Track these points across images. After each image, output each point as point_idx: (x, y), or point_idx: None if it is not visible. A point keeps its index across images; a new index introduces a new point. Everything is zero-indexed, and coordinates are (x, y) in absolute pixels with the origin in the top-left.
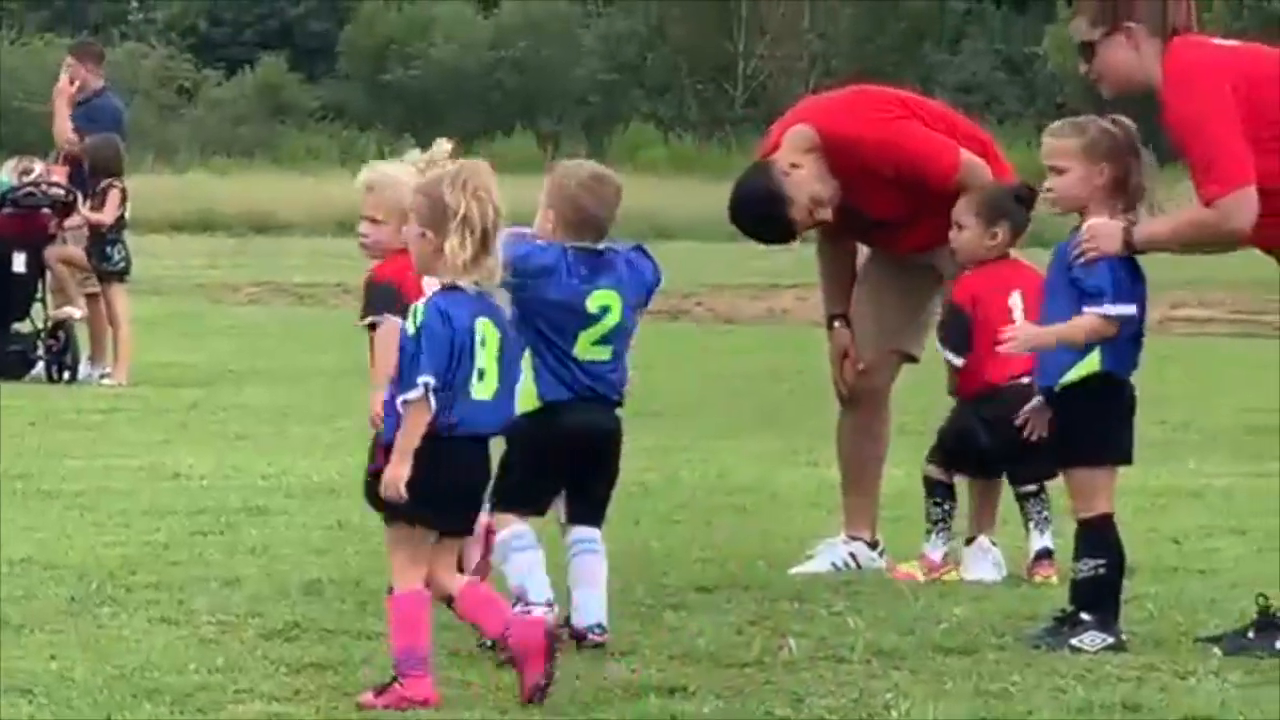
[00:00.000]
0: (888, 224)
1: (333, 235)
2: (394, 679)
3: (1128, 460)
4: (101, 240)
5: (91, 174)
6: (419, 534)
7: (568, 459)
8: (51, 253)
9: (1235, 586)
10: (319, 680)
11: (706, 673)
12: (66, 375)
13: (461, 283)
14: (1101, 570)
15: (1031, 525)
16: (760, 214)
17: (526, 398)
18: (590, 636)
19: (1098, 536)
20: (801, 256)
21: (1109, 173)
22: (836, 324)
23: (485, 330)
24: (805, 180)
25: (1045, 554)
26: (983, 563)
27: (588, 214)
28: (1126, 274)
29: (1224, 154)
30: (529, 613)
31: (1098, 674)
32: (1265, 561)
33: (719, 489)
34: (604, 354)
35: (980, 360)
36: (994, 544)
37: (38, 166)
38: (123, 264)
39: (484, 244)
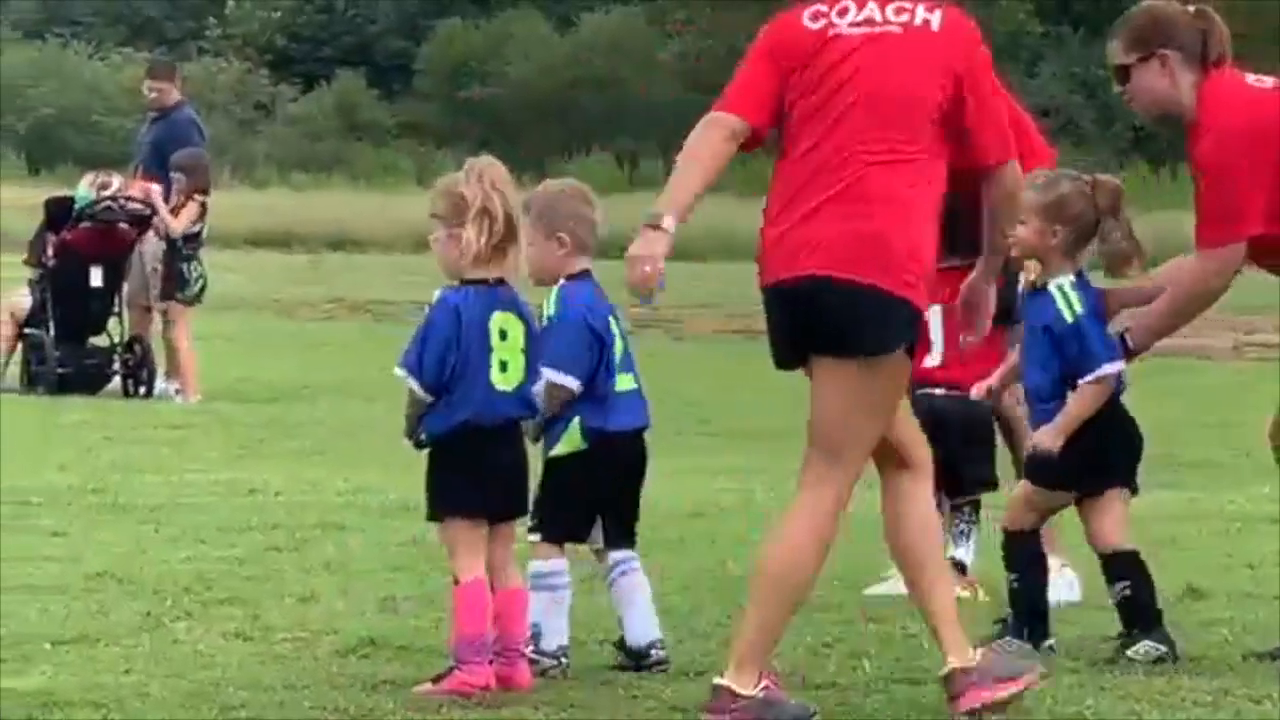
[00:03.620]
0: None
1: (408, 252)
2: (452, 667)
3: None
4: (176, 257)
5: (193, 190)
6: (468, 525)
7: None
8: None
9: None
10: (394, 698)
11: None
12: (142, 390)
13: (479, 274)
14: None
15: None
16: None
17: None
18: (652, 654)
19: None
20: None
21: (1062, 235)
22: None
23: (506, 324)
24: None
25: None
26: (1057, 584)
27: (595, 231)
28: (1099, 325)
29: (1236, 209)
30: (524, 659)
31: (1172, 699)
32: None
33: None
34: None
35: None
36: (1064, 566)
37: (115, 180)
38: (199, 284)
39: (507, 235)
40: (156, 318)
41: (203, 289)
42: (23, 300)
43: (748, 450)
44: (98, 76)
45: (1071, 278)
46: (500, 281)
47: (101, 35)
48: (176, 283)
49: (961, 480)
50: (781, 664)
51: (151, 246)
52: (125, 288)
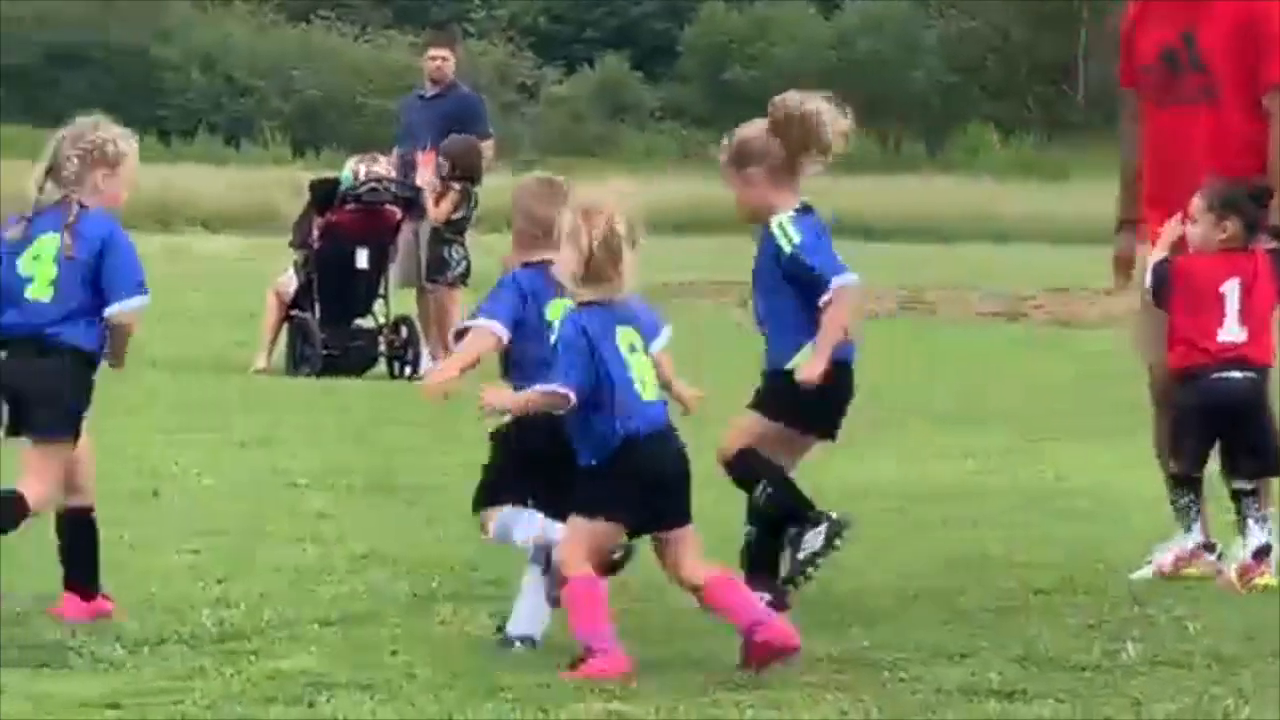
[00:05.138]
0: (1204, 79)
1: (667, 235)
2: (582, 658)
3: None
4: (438, 240)
5: (450, 175)
6: (603, 529)
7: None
8: None
9: None
10: (659, 679)
11: (1044, 676)
12: (409, 371)
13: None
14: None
15: (1248, 521)
16: None
17: None
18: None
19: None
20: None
21: (766, 171)
22: (1124, 229)
23: (630, 338)
24: None
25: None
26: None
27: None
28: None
29: None
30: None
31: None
32: None
33: (1057, 492)
34: None
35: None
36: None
37: (381, 163)
38: (460, 268)
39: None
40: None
41: (466, 272)
42: (288, 282)
43: (1005, 432)
44: (363, 58)
45: (790, 212)
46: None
47: (367, 18)
48: (438, 265)
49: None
50: (1043, 646)
51: (422, 228)
52: (391, 269)
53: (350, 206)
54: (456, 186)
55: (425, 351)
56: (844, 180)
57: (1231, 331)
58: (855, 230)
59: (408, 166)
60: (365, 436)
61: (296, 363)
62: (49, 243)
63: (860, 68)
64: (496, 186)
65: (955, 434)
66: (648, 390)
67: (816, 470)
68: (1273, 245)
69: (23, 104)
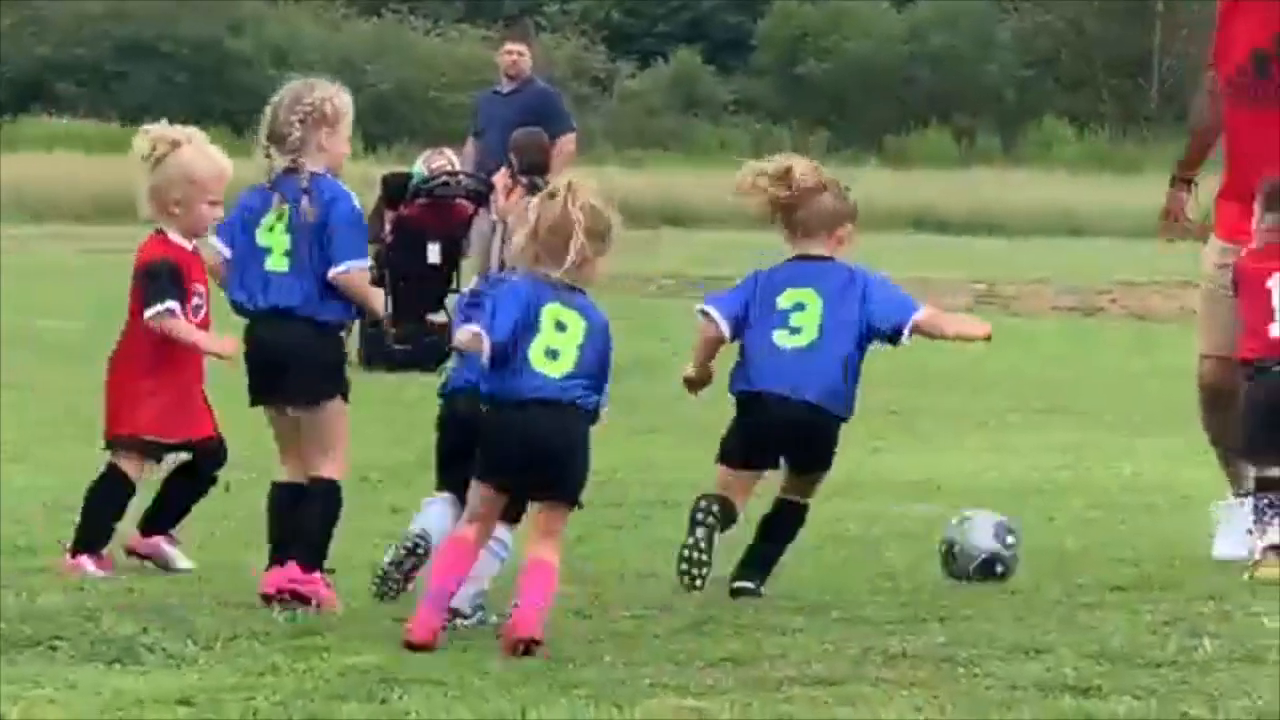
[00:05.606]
0: None
1: (741, 229)
2: None
3: None
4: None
5: (522, 171)
6: (478, 491)
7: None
8: None
9: None
10: (733, 675)
11: (1121, 673)
12: None
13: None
14: None
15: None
16: None
17: None
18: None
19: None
20: None
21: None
22: (1179, 186)
23: (558, 314)
24: None
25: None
26: None
27: None
28: None
29: None
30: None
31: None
32: None
33: (1132, 488)
34: None
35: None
36: None
37: (451, 157)
38: None
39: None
40: None
41: None
42: None
43: (1080, 427)
44: (435, 52)
45: None
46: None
47: (439, 11)
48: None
49: None
50: (1120, 642)
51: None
52: (463, 264)
53: (422, 201)
54: (524, 181)
55: None
56: (919, 174)
57: None
58: (931, 224)
59: (486, 161)
60: (430, 434)
61: (369, 359)
62: (281, 212)
63: (934, 61)
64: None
65: (1032, 430)
66: (551, 365)
67: (885, 465)
68: None
69: (90, 100)
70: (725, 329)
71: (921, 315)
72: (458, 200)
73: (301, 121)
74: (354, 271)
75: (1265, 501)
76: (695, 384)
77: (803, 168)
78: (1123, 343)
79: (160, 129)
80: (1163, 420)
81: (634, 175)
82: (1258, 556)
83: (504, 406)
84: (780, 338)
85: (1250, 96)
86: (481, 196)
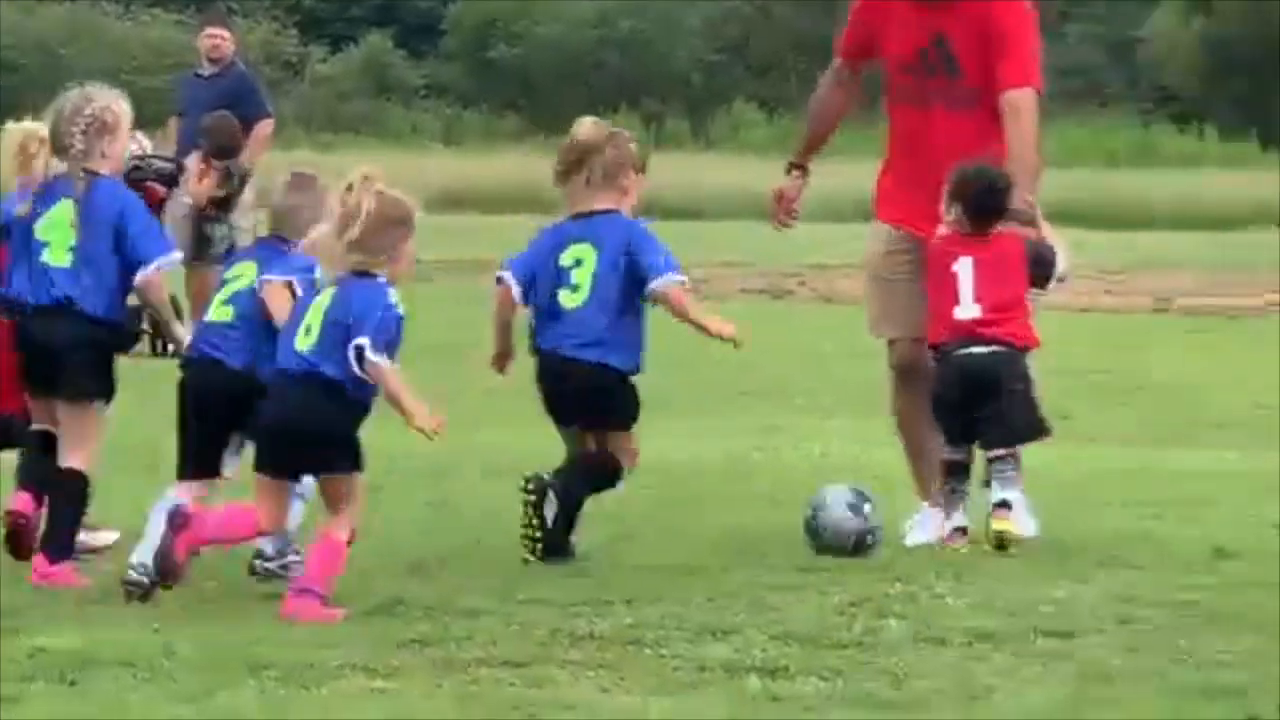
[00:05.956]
0: (950, 78)
1: (434, 212)
2: None
3: None
4: (200, 219)
5: (211, 154)
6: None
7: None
8: None
9: None
10: (421, 656)
11: (808, 654)
12: (170, 349)
13: None
14: None
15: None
16: None
17: None
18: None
19: None
20: None
21: None
22: (794, 172)
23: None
24: None
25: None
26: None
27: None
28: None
29: None
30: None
31: (1198, 658)
32: None
33: (822, 469)
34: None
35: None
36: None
37: (143, 141)
38: (224, 246)
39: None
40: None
41: (229, 250)
42: None
43: (769, 410)
44: (128, 36)
45: None
46: None
47: None
48: (202, 244)
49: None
50: (807, 623)
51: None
52: None
53: None
54: (218, 165)
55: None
56: None
57: (968, 309)
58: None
59: (185, 143)
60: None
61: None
62: (63, 211)
63: (623, 46)
64: (268, 165)
65: (722, 412)
66: (304, 340)
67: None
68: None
69: None
70: (516, 292)
71: (667, 287)
72: (149, 183)
73: (84, 132)
74: (164, 269)
75: (949, 487)
76: (501, 358)
77: (585, 128)
78: (812, 325)
79: None
80: (852, 402)
81: (326, 159)
82: (944, 536)
83: (269, 388)
84: (563, 297)
85: (920, 95)
86: (172, 178)
